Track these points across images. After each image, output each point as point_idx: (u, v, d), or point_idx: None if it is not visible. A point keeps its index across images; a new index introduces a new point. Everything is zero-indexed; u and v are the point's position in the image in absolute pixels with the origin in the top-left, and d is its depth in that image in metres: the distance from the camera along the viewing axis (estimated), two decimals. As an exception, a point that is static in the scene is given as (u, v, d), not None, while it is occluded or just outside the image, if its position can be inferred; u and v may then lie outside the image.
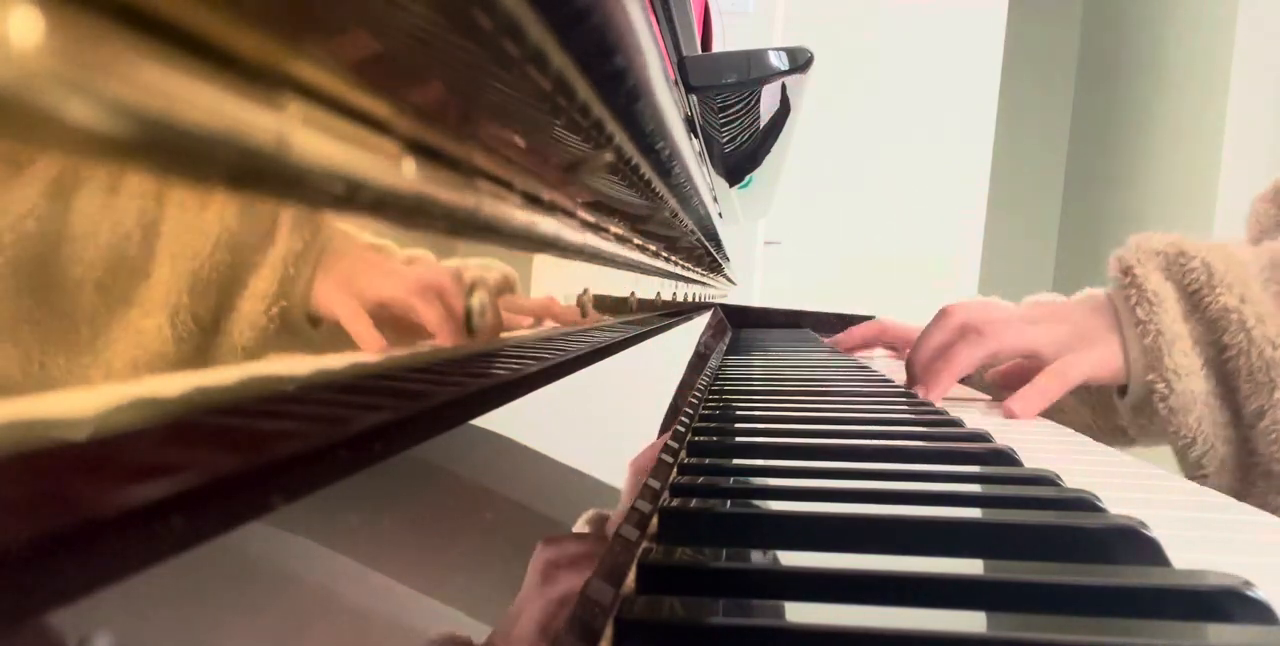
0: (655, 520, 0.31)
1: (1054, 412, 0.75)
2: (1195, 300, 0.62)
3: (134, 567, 0.10)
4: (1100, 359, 0.65)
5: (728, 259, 1.26)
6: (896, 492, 0.35)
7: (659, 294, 0.66)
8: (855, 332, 1.13)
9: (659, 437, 0.40)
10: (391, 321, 0.17)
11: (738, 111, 0.66)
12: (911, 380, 0.75)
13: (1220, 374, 0.63)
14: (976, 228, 2.68)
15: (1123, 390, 0.70)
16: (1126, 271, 0.66)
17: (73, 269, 0.09)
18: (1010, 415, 0.65)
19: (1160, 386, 0.63)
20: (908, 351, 0.77)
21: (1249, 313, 0.60)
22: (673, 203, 0.49)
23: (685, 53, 0.49)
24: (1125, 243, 0.68)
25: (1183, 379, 0.62)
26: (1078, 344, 0.67)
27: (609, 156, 0.31)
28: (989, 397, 0.77)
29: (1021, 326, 0.68)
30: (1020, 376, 0.74)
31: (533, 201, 0.25)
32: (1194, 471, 0.66)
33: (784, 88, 0.69)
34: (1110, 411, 0.76)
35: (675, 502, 0.32)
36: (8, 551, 0.09)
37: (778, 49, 0.54)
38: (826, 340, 1.18)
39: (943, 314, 0.74)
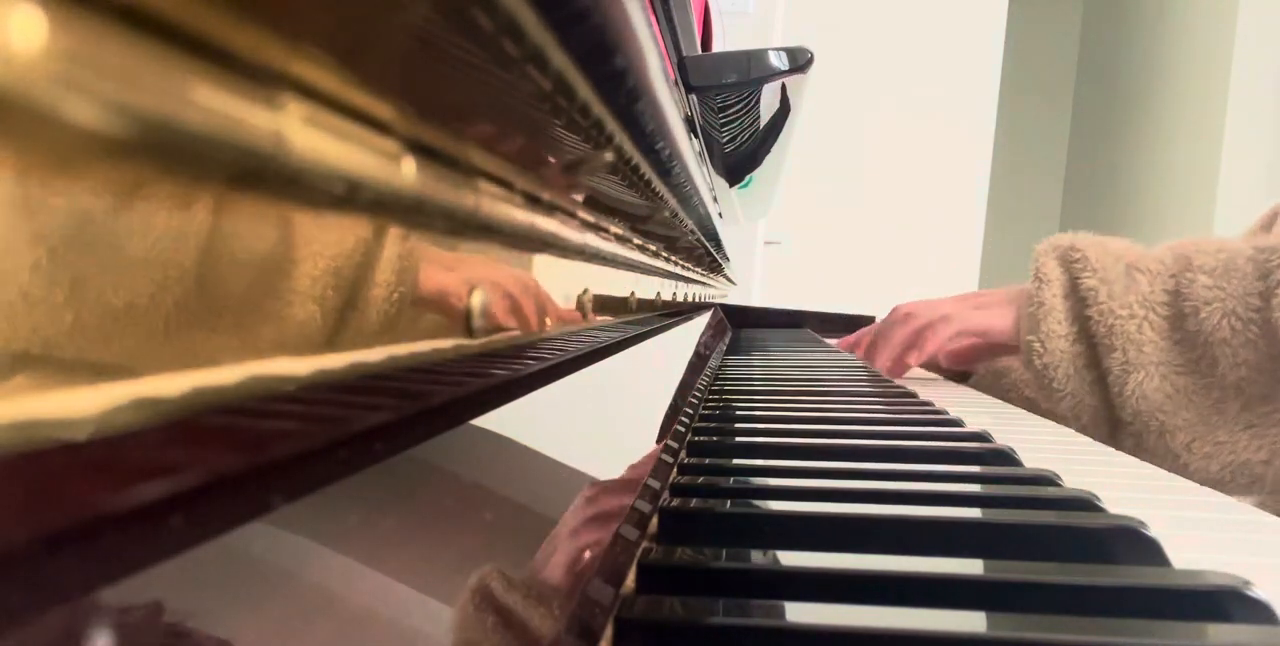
0: (655, 520, 0.31)
1: (1002, 379, 0.97)
2: (1075, 281, 0.80)
3: (134, 567, 0.10)
4: (993, 317, 0.87)
5: (728, 259, 1.26)
6: (896, 492, 0.35)
7: (659, 294, 0.66)
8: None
9: (657, 444, 0.40)
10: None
11: (738, 111, 0.66)
12: (872, 360, 0.93)
13: (1087, 341, 0.80)
14: (976, 228, 2.68)
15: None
16: (1035, 259, 0.84)
17: (70, 268, 0.09)
18: (909, 358, 0.90)
19: (1036, 346, 0.81)
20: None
21: (1103, 291, 0.78)
22: (673, 203, 0.49)
23: (685, 53, 0.49)
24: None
25: (1053, 340, 0.80)
26: (980, 307, 0.89)
27: (609, 156, 0.31)
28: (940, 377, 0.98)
29: (937, 303, 0.90)
30: (972, 356, 0.95)
31: (533, 201, 0.25)
32: (1075, 425, 0.79)
33: (784, 88, 0.69)
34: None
35: (675, 502, 0.32)
36: (8, 551, 0.09)
37: (778, 49, 0.54)
38: (836, 342, 1.18)
39: (895, 312, 0.93)
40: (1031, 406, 0.83)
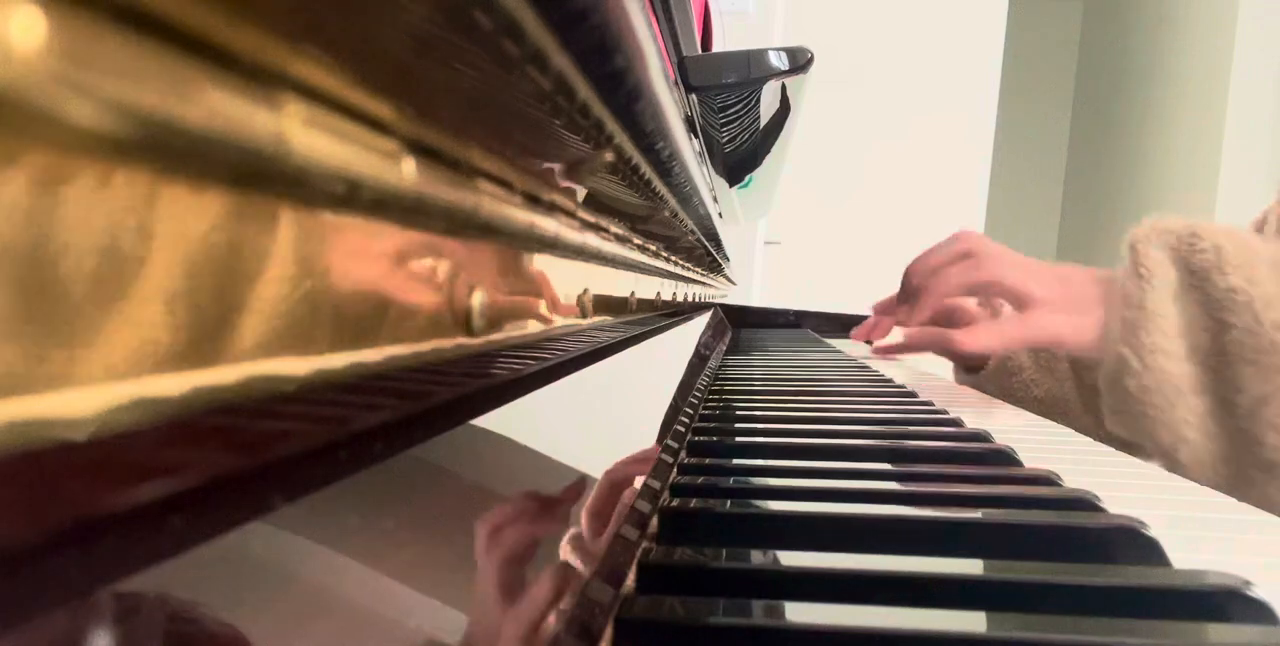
0: (655, 520, 0.31)
1: (1031, 387, 0.75)
2: (1200, 279, 0.60)
3: (134, 567, 0.10)
4: (1077, 326, 0.64)
5: (728, 259, 1.26)
6: (896, 492, 0.35)
7: (659, 294, 0.66)
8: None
9: (656, 444, 0.40)
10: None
11: (738, 111, 0.66)
12: (904, 295, 0.74)
13: (1211, 361, 0.60)
14: (976, 227, 2.68)
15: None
16: (1132, 246, 0.65)
17: (69, 268, 0.09)
18: (950, 342, 0.65)
19: (1133, 362, 0.61)
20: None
21: (1257, 294, 0.58)
22: (673, 203, 0.49)
23: (685, 53, 0.49)
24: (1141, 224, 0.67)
25: (1157, 357, 0.60)
26: (1065, 305, 0.66)
27: (609, 156, 0.31)
28: (947, 380, 0.77)
29: (1023, 270, 0.67)
30: (956, 321, 0.75)
31: (533, 201, 0.25)
32: (1168, 464, 0.63)
33: (784, 88, 0.69)
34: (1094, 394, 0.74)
35: (675, 502, 0.32)
36: (8, 551, 0.09)
37: (778, 49, 0.54)
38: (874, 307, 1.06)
39: (953, 237, 0.73)
40: (1043, 410, 0.69)
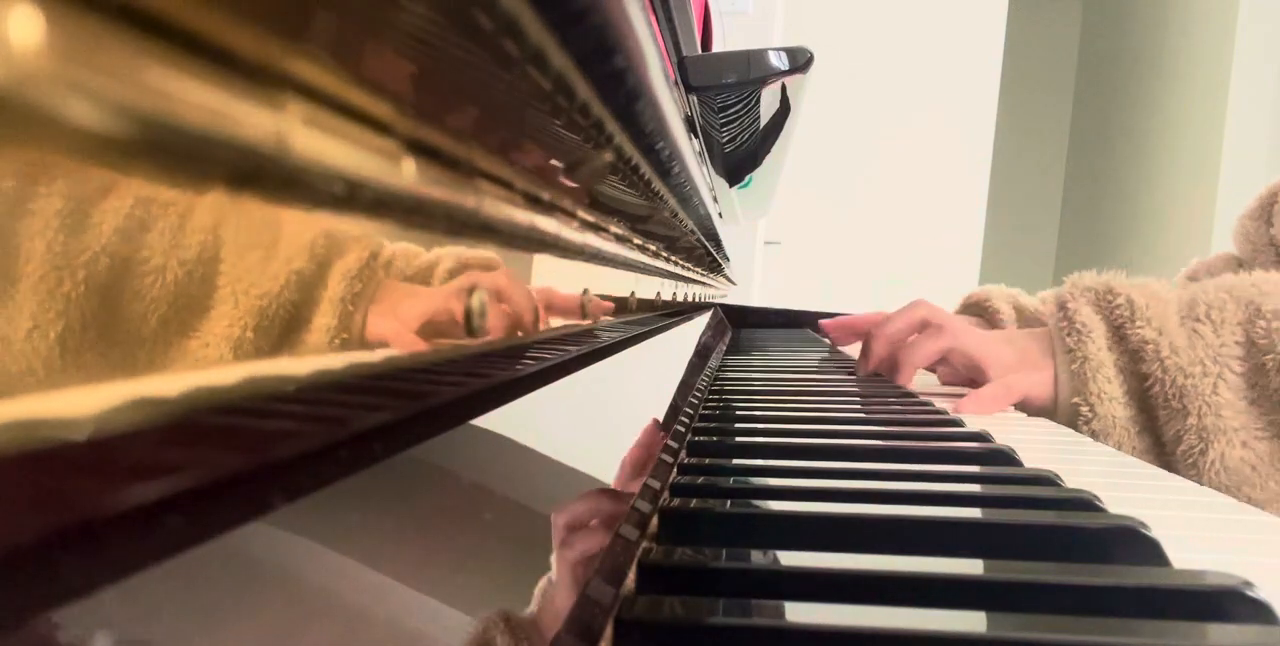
0: (655, 520, 0.31)
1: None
2: (1119, 332, 0.68)
3: (134, 567, 0.10)
4: (1037, 382, 0.72)
5: (728, 259, 1.26)
6: (896, 492, 0.35)
7: (659, 294, 0.66)
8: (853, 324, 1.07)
9: (659, 435, 0.40)
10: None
11: (738, 111, 0.66)
12: (871, 361, 0.81)
13: (1141, 402, 0.67)
14: (976, 228, 2.68)
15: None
16: (1061, 305, 0.72)
17: (77, 271, 0.09)
18: (960, 411, 0.71)
19: (1084, 410, 0.68)
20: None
21: (1164, 344, 0.65)
22: (673, 203, 0.49)
23: (685, 53, 0.49)
24: (1062, 283, 0.76)
25: (1105, 403, 0.68)
26: (1018, 365, 0.74)
27: (609, 156, 0.31)
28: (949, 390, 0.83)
29: (976, 336, 0.76)
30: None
31: (533, 201, 0.25)
32: None
33: (784, 88, 0.68)
34: None
35: (675, 502, 0.32)
36: (8, 551, 0.09)
37: (778, 49, 0.54)
38: (825, 323, 1.10)
39: (911, 305, 0.81)
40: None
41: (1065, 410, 0.70)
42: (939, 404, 0.62)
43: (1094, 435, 0.68)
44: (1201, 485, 0.58)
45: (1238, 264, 0.97)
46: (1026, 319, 1.00)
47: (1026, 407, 0.74)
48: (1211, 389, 0.64)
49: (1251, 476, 0.63)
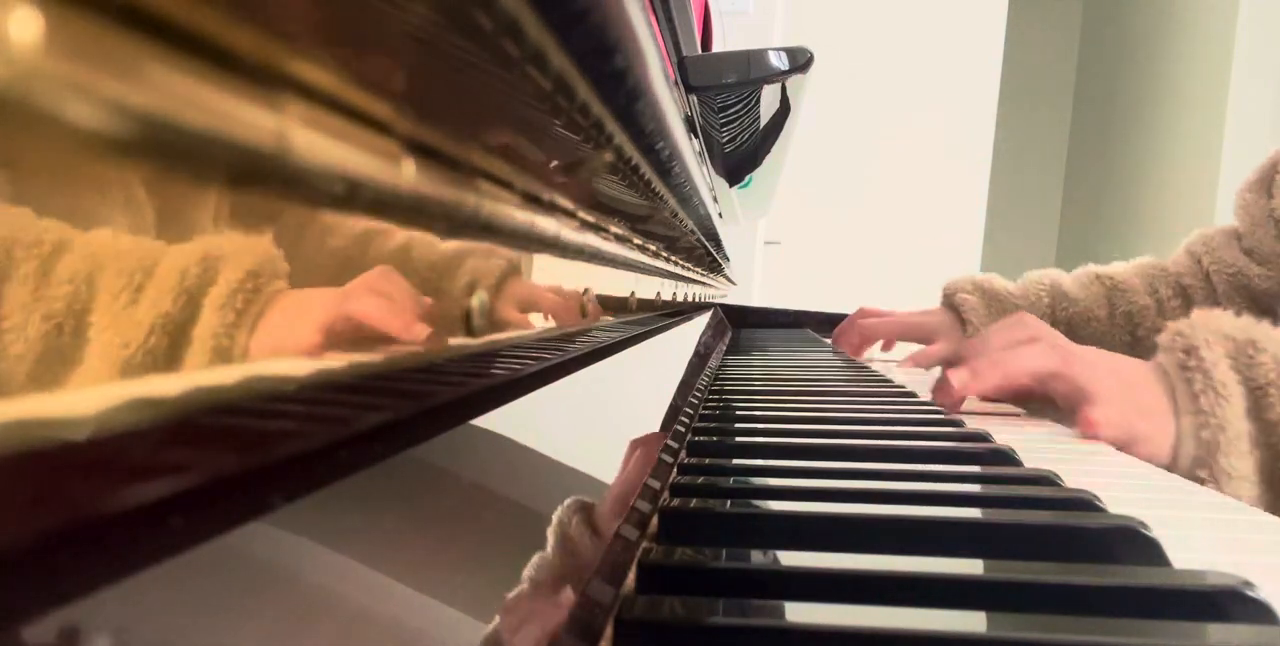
0: (655, 520, 0.31)
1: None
2: (1259, 397, 0.56)
3: (134, 567, 0.10)
4: (1150, 436, 0.59)
5: (728, 259, 1.26)
6: (896, 492, 0.35)
7: (659, 294, 0.66)
8: (843, 342, 1.08)
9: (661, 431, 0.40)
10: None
11: (738, 111, 0.66)
12: (963, 360, 0.67)
13: (1270, 480, 0.57)
14: (976, 228, 2.68)
15: None
16: (1190, 352, 0.59)
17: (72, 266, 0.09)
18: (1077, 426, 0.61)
19: (1209, 484, 0.56)
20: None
21: None
22: (673, 203, 0.49)
23: (685, 53, 0.49)
24: (1188, 320, 0.62)
25: (1234, 481, 0.56)
26: (1134, 416, 0.60)
27: (609, 156, 0.31)
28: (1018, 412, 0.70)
29: (1088, 365, 0.62)
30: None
31: (533, 201, 0.25)
32: None
33: (784, 88, 0.69)
34: None
35: (675, 502, 0.32)
36: (8, 551, 0.09)
37: (778, 49, 0.54)
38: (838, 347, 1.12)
39: (1018, 320, 0.68)
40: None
41: (1184, 476, 0.57)
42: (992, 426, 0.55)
43: None
44: None
45: (1238, 238, 0.95)
46: (1000, 304, 0.98)
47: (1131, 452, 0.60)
48: None
49: None
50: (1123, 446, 0.58)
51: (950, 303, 1.01)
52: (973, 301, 0.99)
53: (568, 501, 0.23)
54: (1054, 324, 0.94)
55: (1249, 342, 0.57)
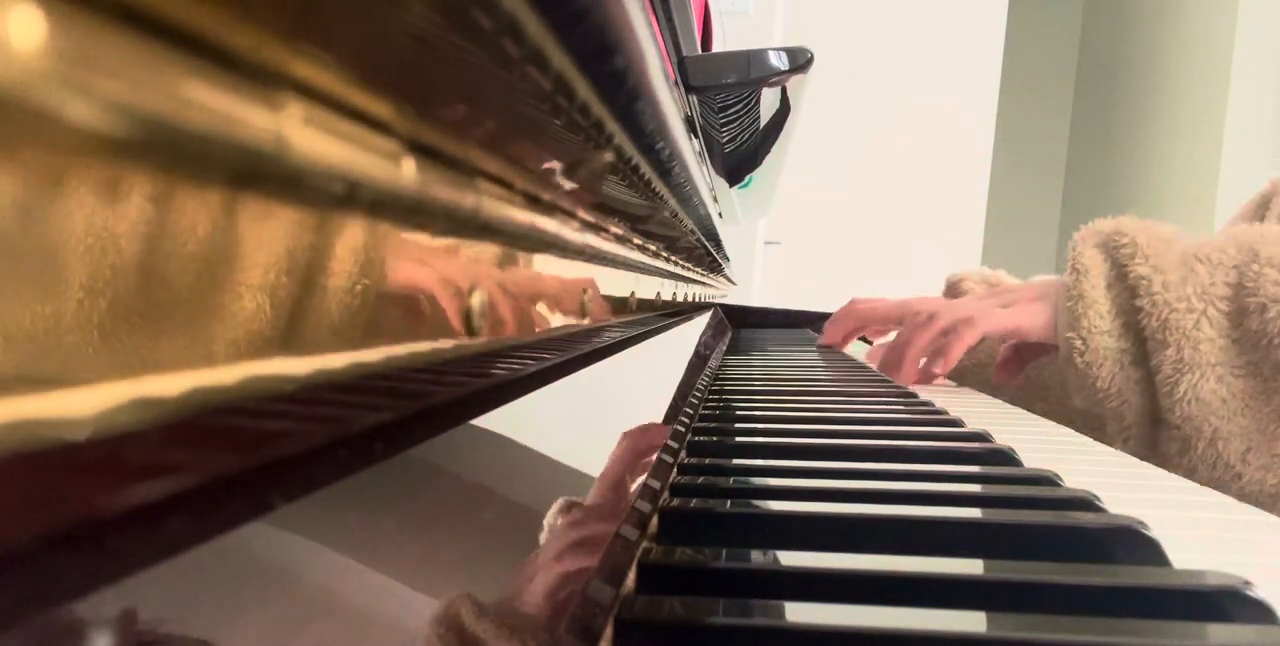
0: (655, 520, 0.31)
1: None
2: (1121, 270, 0.74)
3: (134, 567, 0.10)
4: (1028, 314, 0.80)
5: (728, 259, 1.26)
6: (896, 492, 0.35)
7: (659, 294, 0.66)
8: (835, 330, 1.10)
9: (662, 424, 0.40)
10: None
11: (738, 111, 0.66)
12: (896, 368, 0.85)
13: (1135, 335, 0.73)
14: (976, 228, 2.68)
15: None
16: (1071, 248, 0.78)
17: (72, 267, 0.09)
18: (941, 369, 0.82)
19: (1077, 343, 0.75)
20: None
21: (1158, 280, 0.71)
22: (673, 203, 0.49)
23: (685, 53, 0.49)
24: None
25: (1095, 336, 0.74)
26: (1000, 302, 0.81)
27: (609, 156, 0.31)
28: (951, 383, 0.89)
29: (996, 310, 0.81)
30: (1015, 366, 0.89)
31: (533, 201, 0.25)
32: (1117, 425, 0.77)
33: (784, 88, 0.69)
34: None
35: (675, 502, 0.32)
36: (8, 551, 0.09)
37: (778, 49, 0.54)
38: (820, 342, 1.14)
39: (916, 313, 0.85)
40: (1078, 424, 0.75)
41: (1063, 346, 0.77)
42: (938, 402, 0.62)
43: (1087, 367, 0.75)
44: (1175, 413, 0.70)
45: None
46: None
47: (1025, 338, 0.81)
48: (1194, 324, 0.69)
49: (1220, 408, 0.69)
50: (1003, 335, 0.81)
51: (954, 292, 1.05)
52: (980, 292, 1.01)
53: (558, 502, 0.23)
54: None
55: (1115, 231, 0.75)
